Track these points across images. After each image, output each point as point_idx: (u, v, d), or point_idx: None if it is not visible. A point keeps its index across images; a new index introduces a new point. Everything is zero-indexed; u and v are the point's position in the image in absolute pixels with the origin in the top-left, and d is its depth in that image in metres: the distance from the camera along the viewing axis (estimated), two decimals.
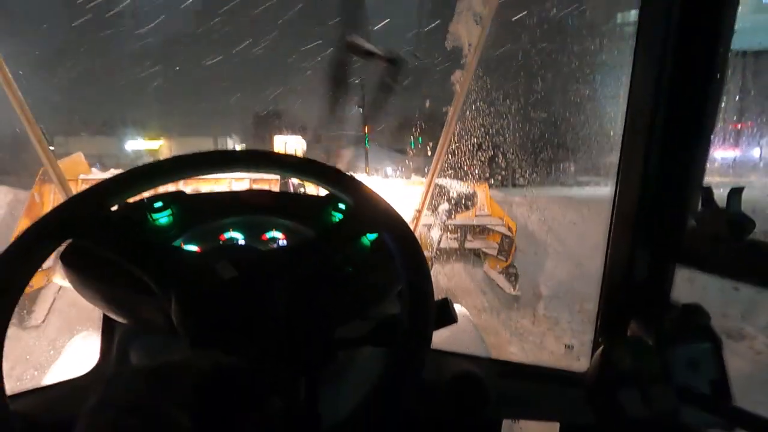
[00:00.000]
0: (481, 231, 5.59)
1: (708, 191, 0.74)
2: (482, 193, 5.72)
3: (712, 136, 0.74)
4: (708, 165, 0.75)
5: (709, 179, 0.76)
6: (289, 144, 3.63)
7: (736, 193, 0.69)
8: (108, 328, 0.74)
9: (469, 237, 5.47)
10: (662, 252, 0.77)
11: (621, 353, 0.69)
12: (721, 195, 0.73)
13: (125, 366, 0.69)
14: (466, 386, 0.73)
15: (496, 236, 5.53)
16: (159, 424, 0.31)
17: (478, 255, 5.52)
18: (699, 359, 0.67)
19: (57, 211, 0.51)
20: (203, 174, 0.60)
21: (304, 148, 3.53)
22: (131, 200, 0.66)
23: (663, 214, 0.76)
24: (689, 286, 0.86)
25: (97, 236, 0.51)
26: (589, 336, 0.81)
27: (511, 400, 0.78)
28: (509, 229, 5.44)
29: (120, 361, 0.70)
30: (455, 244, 5.39)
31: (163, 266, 0.51)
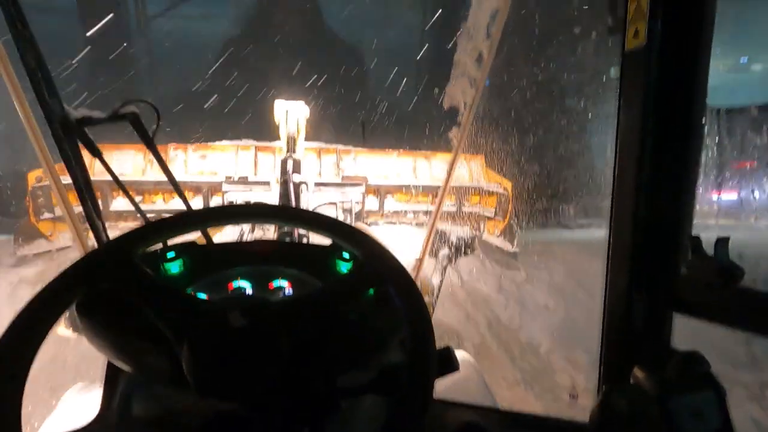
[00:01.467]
0: (480, 200, 5.86)
1: (696, 240, 0.76)
2: (478, 165, 5.99)
3: (696, 187, 0.78)
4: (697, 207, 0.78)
5: (698, 221, 0.78)
6: (291, 112, 3.53)
7: (723, 242, 0.72)
8: (111, 377, 0.74)
9: (465, 203, 5.75)
10: (659, 299, 0.78)
11: (619, 401, 0.68)
12: (709, 239, 0.74)
13: (129, 416, 0.68)
14: None
15: (492, 199, 5.74)
16: None
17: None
18: (702, 408, 0.66)
19: (91, 257, 0.56)
20: (221, 225, 0.66)
21: (307, 115, 3.51)
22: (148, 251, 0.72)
23: (656, 262, 0.78)
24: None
25: (122, 281, 0.55)
26: (593, 384, 0.79)
27: None
28: (505, 189, 5.63)
29: (123, 411, 0.69)
30: (453, 209, 5.66)
31: (179, 313, 0.54)
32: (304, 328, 0.55)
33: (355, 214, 5.10)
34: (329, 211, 4.84)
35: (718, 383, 0.67)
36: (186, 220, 0.64)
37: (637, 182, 0.78)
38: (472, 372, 1.12)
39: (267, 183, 4.25)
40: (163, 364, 0.56)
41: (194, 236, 0.85)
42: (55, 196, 1.71)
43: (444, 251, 3.21)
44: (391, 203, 5.70)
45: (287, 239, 3.12)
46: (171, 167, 4.87)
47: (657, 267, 0.78)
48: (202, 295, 0.69)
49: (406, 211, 5.77)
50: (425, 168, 6.08)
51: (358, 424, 0.69)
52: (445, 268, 3.06)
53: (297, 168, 3.63)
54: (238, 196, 4.68)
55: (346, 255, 0.75)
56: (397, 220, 5.74)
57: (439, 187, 5.55)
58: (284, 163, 3.60)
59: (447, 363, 0.62)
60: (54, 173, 1.47)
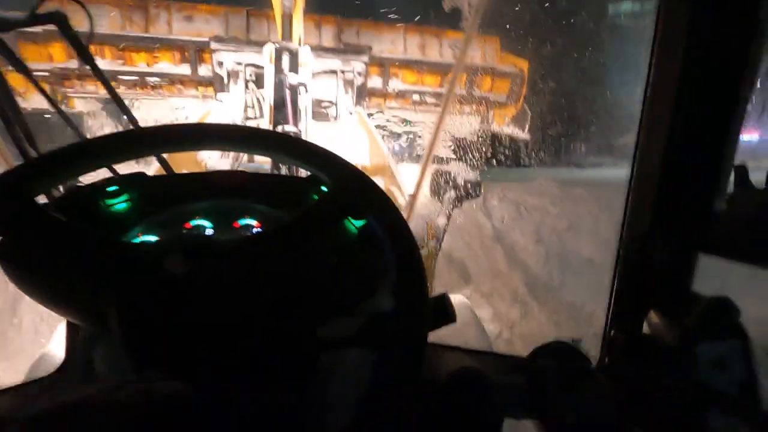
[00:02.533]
0: (491, 85, 5.40)
1: (742, 170, 0.66)
2: (492, 49, 5.50)
3: (749, 107, 0.66)
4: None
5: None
6: None
7: None
8: (71, 325, 0.67)
9: (475, 89, 5.37)
10: (685, 238, 0.70)
11: (629, 347, 0.64)
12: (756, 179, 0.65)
13: (88, 373, 0.62)
14: (466, 384, 0.67)
15: (505, 83, 5.36)
16: None
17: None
18: (726, 358, 0.61)
19: None
20: (149, 153, 0.52)
21: None
22: (82, 184, 0.58)
23: (687, 195, 0.68)
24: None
25: (21, 231, 0.43)
26: (593, 329, 0.74)
27: (514, 397, 0.72)
28: (520, 69, 5.32)
29: (84, 366, 0.64)
30: (462, 93, 5.23)
31: (102, 264, 0.42)
32: (266, 273, 0.45)
33: (357, 88, 4.78)
34: (328, 81, 4.52)
35: (745, 332, 0.61)
36: (100, 147, 0.48)
37: (674, 101, 0.65)
38: (467, 314, 1.08)
39: (260, 44, 3.80)
40: (101, 319, 0.47)
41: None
42: None
43: (450, 193, 3.03)
44: (397, 84, 5.30)
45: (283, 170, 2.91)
46: (152, 28, 4.39)
47: (688, 199, 0.68)
48: (152, 238, 0.57)
49: (412, 92, 5.40)
50: (435, 46, 5.52)
51: (342, 381, 0.64)
52: (450, 211, 2.93)
53: (294, 65, 3.23)
54: (228, 57, 4.31)
55: (325, 189, 0.63)
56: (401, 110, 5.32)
57: (449, 65, 5.18)
58: (278, 57, 3.18)
59: (442, 313, 0.54)
60: None
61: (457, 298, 0.57)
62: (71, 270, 0.42)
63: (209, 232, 0.60)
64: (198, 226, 0.60)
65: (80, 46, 0.92)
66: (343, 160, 0.51)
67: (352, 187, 0.49)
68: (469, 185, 3.14)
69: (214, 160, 3.19)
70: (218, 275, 0.42)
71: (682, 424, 0.57)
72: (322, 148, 0.52)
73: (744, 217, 0.66)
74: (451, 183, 3.13)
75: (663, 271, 0.70)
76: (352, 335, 0.50)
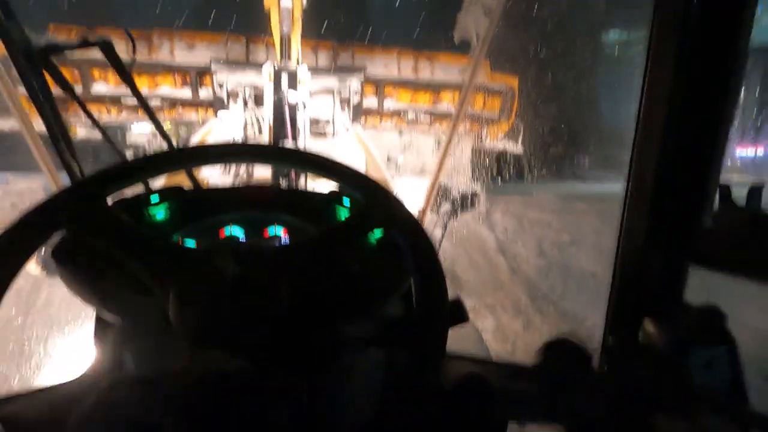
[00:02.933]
0: (483, 104, 5.54)
1: (726, 188, 0.71)
2: (483, 71, 5.50)
3: (728, 134, 0.71)
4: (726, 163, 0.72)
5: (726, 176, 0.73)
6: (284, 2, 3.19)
7: (757, 190, 0.68)
8: (101, 328, 0.71)
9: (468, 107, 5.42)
10: (676, 251, 0.74)
11: (625, 353, 0.68)
12: (738, 195, 0.70)
13: (118, 374, 0.67)
14: (471, 389, 0.71)
15: (497, 101, 5.50)
16: None
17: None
18: (714, 362, 0.65)
19: (54, 198, 0.48)
20: (204, 164, 0.59)
21: (304, 2, 3.18)
22: (127, 195, 0.64)
23: (677, 211, 0.73)
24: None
25: (92, 229, 0.48)
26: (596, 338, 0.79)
27: (517, 402, 0.76)
28: (510, 86, 5.43)
29: (114, 366, 0.68)
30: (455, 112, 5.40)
31: (161, 261, 0.48)
32: (302, 277, 0.51)
33: (354, 106, 4.87)
34: (325, 100, 4.62)
35: (731, 336, 0.66)
36: (164, 159, 0.56)
37: (663, 123, 0.71)
38: (468, 327, 1.12)
39: (259, 65, 3.89)
40: (152, 315, 0.52)
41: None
42: (25, 136, 1.57)
43: (446, 206, 3.10)
44: (391, 103, 5.41)
45: (283, 180, 2.98)
46: (156, 57, 4.45)
47: (678, 215, 0.73)
48: (191, 243, 0.63)
49: (407, 111, 5.49)
50: (427, 68, 5.67)
51: (360, 378, 0.68)
52: (446, 223, 2.99)
53: (293, 83, 3.32)
54: (228, 78, 4.38)
55: (347, 202, 0.69)
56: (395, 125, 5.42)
57: (442, 84, 5.31)
58: (277, 76, 3.27)
59: (457, 313, 0.59)
60: (22, 113, 1.33)
61: None
62: (135, 265, 0.48)
63: (242, 239, 0.66)
64: (231, 235, 0.65)
65: (124, 71, 0.99)
66: (372, 178, 0.57)
67: (380, 203, 0.55)
68: (464, 198, 3.20)
69: (215, 177, 3.24)
70: (261, 277, 0.48)
71: (674, 423, 0.61)
72: (353, 167, 0.58)
73: (727, 232, 0.71)
74: (446, 196, 3.19)
75: (657, 281, 0.75)
76: (373, 336, 0.55)
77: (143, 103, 1.05)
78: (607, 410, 0.68)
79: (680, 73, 0.69)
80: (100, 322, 0.70)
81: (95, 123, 1.02)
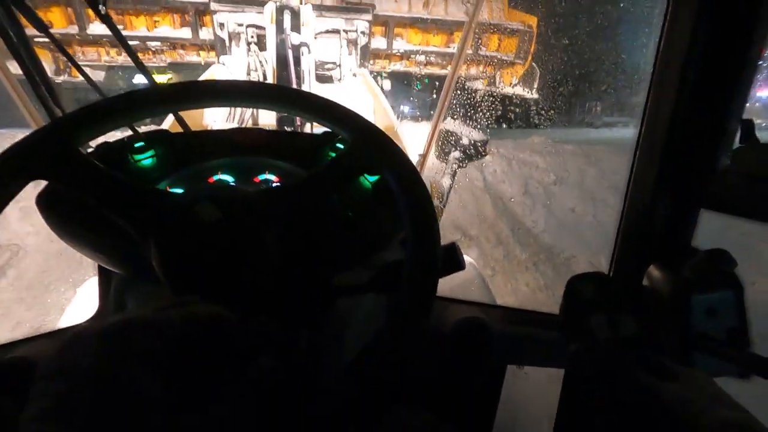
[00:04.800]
0: (499, 44, 5.31)
1: (748, 124, 0.66)
2: (500, 6, 5.37)
3: (756, 66, 0.65)
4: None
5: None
6: None
7: None
8: (104, 274, 0.72)
9: (482, 48, 5.27)
10: (688, 194, 0.71)
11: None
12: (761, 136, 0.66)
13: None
14: (471, 332, 0.72)
15: (512, 41, 5.26)
16: (122, 393, 0.27)
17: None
18: (718, 307, 0.64)
19: (17, 147, 0.45)
20: (181, 108, 0.54)
21: None
22: (112, 140, 0.61)
23: (693, 151, 0.69)
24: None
25: (65, 176, 0.45)
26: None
27: (516, 346, 0.77)
28: (528, 26, 5.16)
29: (118, 310, 0.69)
30: (468, 52, 5.09)
31: (140, 209, 0.46)
32: (291, 221, 0.49)
33: (361, 48, 4.66)
34: (332, 41, 4.41)
35: (738, 282, 0.64)
36: (140, 100, 0.51)
37: (683, 58, 0.65)
38: (472, 273, 1.11)
39: (261, 4, 3.68)
40: (141, 264, 0.51)
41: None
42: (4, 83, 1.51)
43: (455, 153, 2.98)
44: (402, 44, 5.15)
45: (286, 126, 2.86)
46: None
47: (693, 156, 0.69)
48: (179, 190, 0.61)
49: (417, 53, 5.24)
50: (440, 4, 5.32)
51: (357, 323, 0.68)
52: (455, 172, 2.88)
53: (296, 25, 3.13)
54: (228, 18, 4.19)
55: (340, 146, 0.65)
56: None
57: (456, 23, 5.00)
58: (280, 16, 3.08)
59: (452, 261, 0.57)
60: None
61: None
62: (113, 215, 0.46)
63: (231, 185, 0.64)
64: (220, 180, 0.63)
65: (96, 7, 0.93)
66: (362, 117, 0.53)
67: (369, 143, 0.51)
68: (474, 145, 3.11)
69: (219, 123, 3.18)
70: (241, 222, 0.46)
71: (674, 366, 0.61)
72: (341, 105, 0.54)
73: (747, 172, 0.67)
74: (456, 143, 3.10)
75: (665, 225, 0.72)
76: (367, 282, 0.54)
77: (123, 43, 0.99)
78: (604, 354, 0.69)
79: (704, 7, 0.63)
80: (102, 266, 0.71)
81: (73, 63, 0.98)
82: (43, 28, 0.89)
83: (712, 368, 0.62)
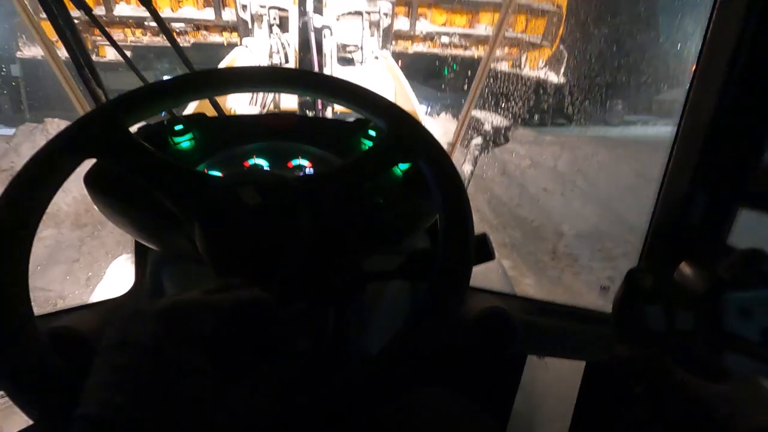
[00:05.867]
0: (525, 25, 5.15)
1: None
2: None
3: None
4: None
5: None
6: None
7: None
8: (141, 252, 0.75)
9: (509, 28, 5.08)
10: (725, 190, 0.69)
11: (638, 278, 0.66)
12: None
13: (157, 293, 0.71)
14: (493, 321, 0.72)
15: (541, 22, 5.14)
16: (177, 368, 0.30)
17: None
18: (753, 307, 0.62)
19: (73, 128, 0.48)
20: (224, 92, 0.57)
21: None
22: (151, 122, 0.63)
23: (735, 145, 0.67)
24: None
25: (117, 156, 0.48)
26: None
27: (537, 337, 0.77)
28: (558, 6, 5.04)
29: (153, 286, 0.72)
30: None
31: (186, 190, 0.48)
32: (326, 207, 0.50)
33: (384, 30, 4.60)
34: (354, 23, 4.37)
35: None
36: (185, 84, 0.54)
37: (732, 49, 0.63)
38: (493, 262, 1.11)
39: None
40: (181, 243, 0.54)
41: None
42: (49, 61, 1.56)
43: (476, 140, 2.93)
44: (425, 24, 5.05)
45: (307, 110, 2.88)
46: None
47: (733, 151, 0.67)
48: (217, 173, 0.63)
49: (441, 34, 5.14)
50: None
51: (385, 310, 0.70)
52: (476, 158, 2.85)
53: (318, 7, 3.12)
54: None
55: (372, 133, 0.66)
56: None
57: (482, 2, 4.87)
58: None
59: (483, 251, 0.57)
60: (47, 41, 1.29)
61: None
62: (160, 194, 0.48)
63: (266, 169, 0.65)
64: (256, 165, 0.65)
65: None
66: (397, 106, 0.54)
67: (406, 133, 0.52)
68: (496, 131, 3.06)
69: (242, 106, 3.21)
70: (281, 207, 0.48)
71: (706, 367, 0.60)
72: (377, 94, 0.55)
73: None
74: (478, 129, 3.06)
75: (700, 221, 0.71)
76: (396, 269, 0.56)
77: (162, 25, 1.01)
78: (628, 349, 0.68)
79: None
80: (139, 244, 0.74)
81: (115, 46, 0.99)
82: (87, 10, 0.91)
83: (745, 369, 0.61)
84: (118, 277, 1.23)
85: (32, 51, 4.68)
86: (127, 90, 0.52)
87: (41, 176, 0.45)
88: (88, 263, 3.39)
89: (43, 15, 0.93)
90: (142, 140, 0.49)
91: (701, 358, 0.54)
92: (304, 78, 0.56)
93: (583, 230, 4.14)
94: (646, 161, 5.55)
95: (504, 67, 5.53)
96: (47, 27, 1.09)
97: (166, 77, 0.55)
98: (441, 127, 4.88)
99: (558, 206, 4.78)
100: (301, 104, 3.05)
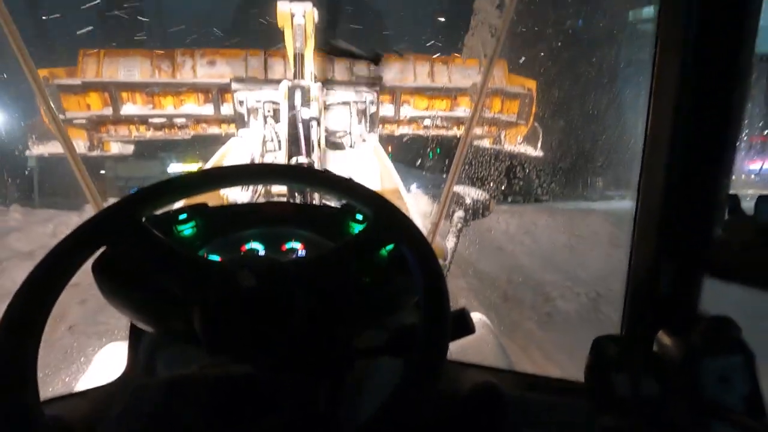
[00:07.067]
0: (501, 107, 5.60)
1: (735, 199, 0.71)
2: (501, 71, 5.70)
3: (737, 143, 0.71)
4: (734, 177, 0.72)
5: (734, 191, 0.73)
6: (297, 16, 3.27)
7: (766, 200, 0.67)
8: (135, 337, 0.77)
9: (485, 110, 5.48)
10: (688, 263, 0.75)
11: (603, 346, 0.69)
12: (747, 206, 0.70)
13: (149, 376, 0.72)
14: (485, 398, 0.73)
15: (514, 104, 5.52)
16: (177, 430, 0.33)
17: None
18: (729, 374, 0.65)
19: (95, 219, 0.54)
20: (229, 186, 0.64)
21: (316, 19, 3.27)
22: (158, 212, 0.69)
23: (688, 223, 0.74)
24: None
25: (131, 244, 0.54)
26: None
27: (532, 413, 0.77)
28: (528, 89, 5.42)
29: (146, 371, 0.73)
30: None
31: (189, 274, 0.53)
32: (317, 289, 0.55)
33: (370, 116, 4.93)
34: (343, 111, 4.70)
35: (747, 348, 0.66)
36: (190, 181, 0.62)
37: (671, 135, 0.72)
38: (487, 333, 1.13)
39: (277, 82, 3.99)
40: (180, 325, 0.57)
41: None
42: (71, 163, 1.71)
43: (459, 213, 3.11)
44: (409, 110, 5.44)
45: (296, 194, 3.06)
46: (179, 74, 4.70)
47: (689, 228, 0.74)
48: (215, 258, 0.68)
49: (424, 118, 5.52)
50: (443, 73, 5.68)
51: (373, 385, 0.71)
52: (459, 231, 2.99)
53: (306, 100, 3.40)
54: (247, 96, 4.53)
55: (359, 216, 0.73)
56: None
57: (458, 89, 5.32)
58: (291, 93, 3.35)
59: (462, 325, 0.61)
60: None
61: (476, 317, 0.64)
62: (166, 279, 0.53)
63: (261, 253, 0.72)
64: (252, 249, 0.71)
65: None
66: (380, 196, 0.61)
67: (390, 220, 0.59)
68: (477, 205, 3.18)
69: (234, 192, 3.34)
70: (276, 288, 0.52)
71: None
72: (363, 185, 0.62)
73: (737, 242, 0.70)
74: (459, 203, 3.17)
75: (670, 293, 0.75)
76: (383, 345, 0.59)
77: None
78: (610, 419, 0.69)
79: (686, 83, 0.70)
80: (134, 329, 0.76)
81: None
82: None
83: None
84: (105, 366, 1.21)
85: (40, 149, 5.07)
86: (138, 181, 0.59)
87: (63, 260, 0.51)
88: None
89: (62, 116, 1.03)
90: (151, 227, 0.55)
91: (682, 427, 0.55)
92: (297, 172, 0.65)
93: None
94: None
95: (486, 143, 5.90)
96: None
97: (177, 166, 0.63)
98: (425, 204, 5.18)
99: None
100: (290, 189, 3.18)
